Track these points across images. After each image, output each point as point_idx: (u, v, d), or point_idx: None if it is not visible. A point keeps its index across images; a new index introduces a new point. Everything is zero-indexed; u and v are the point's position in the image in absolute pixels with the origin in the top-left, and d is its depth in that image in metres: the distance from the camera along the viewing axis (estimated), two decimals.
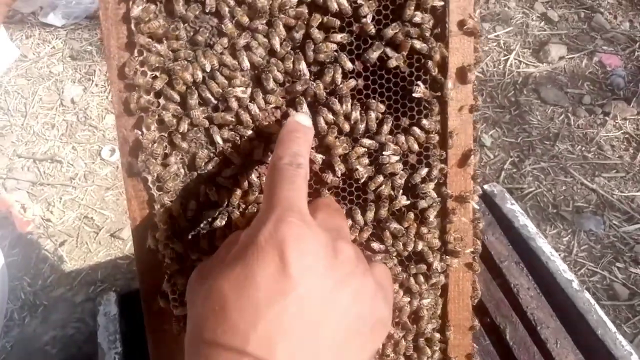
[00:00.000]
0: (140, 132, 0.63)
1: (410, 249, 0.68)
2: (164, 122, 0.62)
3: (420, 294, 0.71)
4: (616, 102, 2.27)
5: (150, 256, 0.68)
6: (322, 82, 0.63)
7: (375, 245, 0.67)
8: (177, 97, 0.62)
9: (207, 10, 0.60)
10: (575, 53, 2.47)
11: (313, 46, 0.62)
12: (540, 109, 2.27)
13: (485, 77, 2.37)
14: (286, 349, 0.44)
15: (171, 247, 0.66)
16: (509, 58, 2.47)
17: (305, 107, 0.63)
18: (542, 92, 2.31)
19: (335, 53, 0.62)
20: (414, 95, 0.63)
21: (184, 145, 0.63)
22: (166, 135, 0.63)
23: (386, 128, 0.64)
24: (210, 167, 0.64)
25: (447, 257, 0.70)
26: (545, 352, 0.96)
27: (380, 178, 0.66)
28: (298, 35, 0.61)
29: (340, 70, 0.62)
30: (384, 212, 0.66)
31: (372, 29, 0.61)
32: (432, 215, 0.67)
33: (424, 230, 0.68)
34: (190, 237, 0.66)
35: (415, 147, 0.65)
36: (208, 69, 0.61)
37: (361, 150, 0.65)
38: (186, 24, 0.61)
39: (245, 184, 0.65)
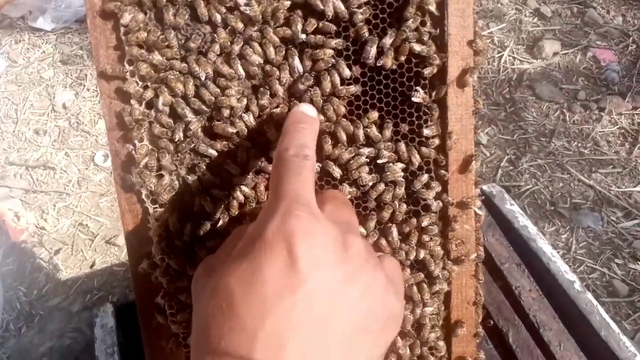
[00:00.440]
0: (132, 147, 0.61)
1: (412, 257, 0.67)
2: (156, 134, 0.61)
3: (422, 303, 0.69)
4: (611, 97, 2.26)
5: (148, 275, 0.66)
6: (320, 89, 0.61)
7: (383, 241, 0.66)
8: (167, 109, 0.60)
9: (200, 19, 0.59)
10: (569, 48, 2.47)
11: (310, 52, 0.60)
12: (535, 105, 2.26)
13: (479, 74, 2.36)
14: (296, 345, 0.43)
15: (167, 262, 0.64)
16: (503, 55, 2.46)
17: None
18: (537, 89, 2.30)
19: (333, 59, 0.61)
20: (413, 100, 0.62)
21: (178, 156, 0.62)
22: (159, 147, 0.61)
23: (387, 133, 0.63)
24: (205, 178, 0.63)
25: (450, 263, 0.69)
26: (549, 354, 0.95)
27: (382, 186, 0.64)
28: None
29: (337, 76, 0.61)
30: (386, 215, 0.65)
31: (365, 32, 0.60)
32: (433, 225, 0.66)
33: (426, 238, 0.67)
34: (187, 251, 0.64)
35: (417, 159, 0.64)
36: (203, 78, 0.59)
37: (362, 159, 0.63)
38: (177, 32, 0.59)
39: (241, 195, 0.63)
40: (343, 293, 0.46)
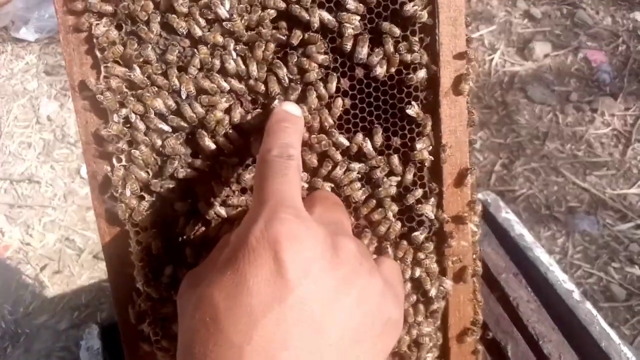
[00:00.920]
0: (109, 169, 0.58)
1: (407, 276, 0.64)
2: (134, 155, 0.57)
3: (418, 324, 0.66)
4: (603, 98, 2.25)
5: (129, 295, 0.63)
6: (305, 105, 0.58)
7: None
8: (143, 126, 0.57)
9: (179, 33, 0.55)
10: (560, 50, 2.45)
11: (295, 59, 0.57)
12: (527, 108, 2.24)
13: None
14: None
15: (152, 287, 0.61)
16: (493, 57, 2.45)
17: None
18: (529, 91, 2.29)
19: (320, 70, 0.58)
20: (407, 112, 0.59)
21: (160, 176, 0.59)
22: (138, 166, 0.58)
23: (377, 140, 0.60)
24: (188, 196, 0.60)
25: (445, 279, 0.66)
26: None
27: (373, 202, 0.62)
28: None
29: (324, 90, 0.58)
30: (383, 229, 0.62)
31: (348, 46, 0.57)
32: (428, 242, 0.63)
33: (421, 255, 0.64)
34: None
35: (412, 174, 0.61)
36: (184, 96, 0.56)
37: (353, 175, 0.60)
38: (155, 46, 0.56)
39: (224, 212, 0.60)
40: (336, 300, 0.43)
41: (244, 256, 0.42)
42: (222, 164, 0.59)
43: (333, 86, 0.58)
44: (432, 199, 0.62)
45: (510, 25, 2.57)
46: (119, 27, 0.55)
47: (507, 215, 1.13)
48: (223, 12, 0.54)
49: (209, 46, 0.55)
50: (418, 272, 0.64)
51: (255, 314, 0.40)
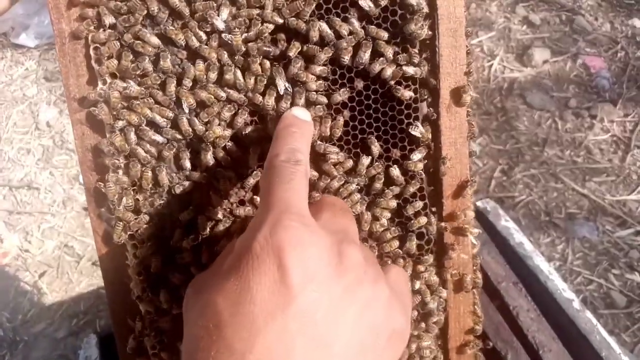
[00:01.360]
0: (105, 183, 0.57)
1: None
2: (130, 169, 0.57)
3: (418, 337, 0.66)
4: (602, 104, 2.25)
5: (126, 309, 0.62)
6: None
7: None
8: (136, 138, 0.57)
9: (177, 45, 0.55)
10: (558, 56, 2.45)
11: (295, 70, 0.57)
12: (527, 114, 2.24)
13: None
14: None
15: (149, 298, 0.61)
16: (492, 63, 2.45)
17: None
18: (528, 97, 2.29)
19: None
20: (411, 132, 0.59)
21: (156, 189, 0.58)
22: (135, 181, 0.58)
23: (375, 150, 0.59)
24: (185, 208, 0.59)
25: (445, 291, 0.66)
26: None
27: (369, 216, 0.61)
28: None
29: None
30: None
31: (346, 59, 0.57)
32: (427, 254, 0.63)
33: (421, 268, 0.63)
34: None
35: (414, 187, 0.61)
36: (187, 110, 0.56)
37: (352, 187, 0.60)
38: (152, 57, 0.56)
39: (222, 226, 0.59)
40: (341, 309, 0.42)
41: (247, 263, 0.41)
42: (219, 176, 0.59)
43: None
44: (432, 211, 0.62)
45: (509, 32, 2.57)
46: (117, 39, 0.55)
47: (506, 224, 1.13)
48: (219, 24, 0.54)
49: (205, 61, 0.55)
50: (418, 284, 0.64)
51: (257, 322, 0.40)
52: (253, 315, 0.40)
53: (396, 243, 0.62)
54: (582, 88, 2.32)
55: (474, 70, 0.60)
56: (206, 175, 0.59)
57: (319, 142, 0.58)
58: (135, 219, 0.58)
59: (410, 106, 0.59)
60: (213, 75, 0.55)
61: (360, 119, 0.60)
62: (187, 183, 0.58)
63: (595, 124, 2.19)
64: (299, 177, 0.47)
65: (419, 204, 0.62)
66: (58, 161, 2.30)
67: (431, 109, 0.60)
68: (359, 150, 0.60)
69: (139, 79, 0.55)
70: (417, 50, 0.58)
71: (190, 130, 0.56)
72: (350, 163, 0.59)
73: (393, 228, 0.62)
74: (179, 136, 0.57)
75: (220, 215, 0.59)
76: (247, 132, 0.58)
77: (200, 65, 0.54)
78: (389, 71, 0.57)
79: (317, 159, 0.59)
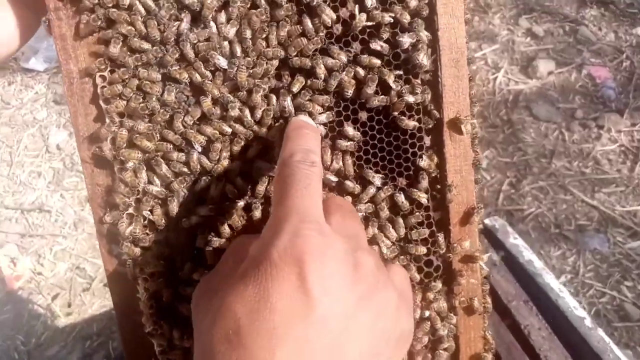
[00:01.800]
0: (116, 219, 0.58)
1: (417, 316, 0.64)
2: (141, 202, 0.58)
3: None
4: (609, 114, 2.24)
5: (137, 338, 0.63)
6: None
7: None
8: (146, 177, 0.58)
9: (181, 82, 0.56)
10: (563, 67, 2.45)
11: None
12: (533, 126, 2.24)
13: (475, 96, 2.34)
14: None
15: (160, 333, 0.61)
16: (497, 76, 2.45)
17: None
18: (534, 109, 2.29)
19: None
20: (419, 164, 0.60)
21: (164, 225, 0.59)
22: (143, 217, 0.59)
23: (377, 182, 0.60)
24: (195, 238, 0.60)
25: (455, 317, 0.66)
26: None
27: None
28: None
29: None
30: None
31: (349, 92, 0.58)
32: (436, 281, 0.63)
33: (430, 295, 0.64)
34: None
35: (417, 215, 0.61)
36: (199, 149, 0.57)
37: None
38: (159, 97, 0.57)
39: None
40: (356, 317, 0.43)
41: (266, 271, 0.42)
42: (225, 207, 0.60)
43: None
44: (439, 238, 0.62)
45: (513, 44, 2.58)
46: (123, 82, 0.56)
47: (515, 241, 1.13)
48: (222, 62, 0.55)
49: (210, 98, 0.56)
50: (427, 312, 0.64)
51: (278, 330, 0.40)
52: (273, 324, 0.40)
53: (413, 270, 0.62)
54: (588, 98, 2.32)
55: (476, 92, 0.60)
56: (213, 207, 0.59)
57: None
58: (144, 252, 0.58)
59: (414, 135, 0.60)
60: (218, 111, 0.56)
61: (365, 149, 0.60)
62: (194, 218, 0.59)
63: (603, 134, 2.18)
64: (315, 181, 0.48)
65: (425, 231, 0.62)
66: (68, 183, 2.33)
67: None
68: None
69: (147, 117, 0.56)
70: (419, 82, 0.59)
71: (198, 167, 0.57)
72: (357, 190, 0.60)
73: (402, 257, 0.62)
74: (186, 170, 0.58)
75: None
76: (254, 162, 0.59)
77: (207, 101, 0.55)
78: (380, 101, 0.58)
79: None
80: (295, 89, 0.57)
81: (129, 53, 0.55)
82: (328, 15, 0.56)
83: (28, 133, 2.55)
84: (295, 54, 0.56)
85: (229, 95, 0.56)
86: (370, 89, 0.57)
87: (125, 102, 0.55)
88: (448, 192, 0.61)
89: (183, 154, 0.57)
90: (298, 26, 0.56)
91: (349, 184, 0.60)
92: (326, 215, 0.50)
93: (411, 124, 0.59)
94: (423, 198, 0.61)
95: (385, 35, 0.57)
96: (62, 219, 2.20)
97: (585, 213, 1.96)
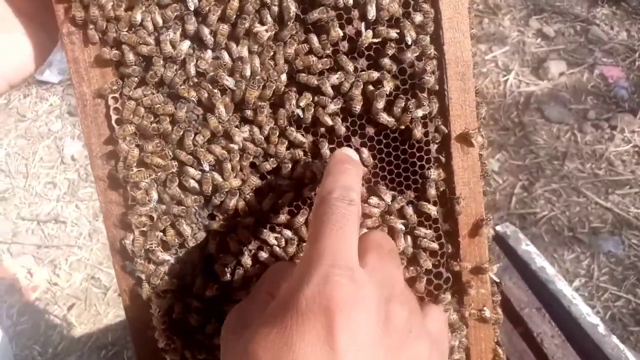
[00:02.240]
0: (128, 242, 0.59)
1: None
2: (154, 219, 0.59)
3: None
4: (622, 114, 2.22)
5: (151, 352, 0.64)
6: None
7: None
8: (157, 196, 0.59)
9: (190, 101, 0.57)
10: (575, 68, 2.44)
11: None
12: (545, 128, 2.23)
13: (486, 99, 2.34)
14: None
15: (173, 348, 0.62)
16: (508, 78, 2.44)
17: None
18: (546, 111, 2.27)
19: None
20: (430, 177, 0.60)
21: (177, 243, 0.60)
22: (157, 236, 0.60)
23: (388, 199, 0.61)
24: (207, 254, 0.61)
25: (466, 329, 0.66)
26: None
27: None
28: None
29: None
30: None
31: (357, 107, 0.58)
32: (446, 293, 0.63)
33: (440, 308, 0.64)
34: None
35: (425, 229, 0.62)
36: (207, 168, 0.58)
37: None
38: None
39: (242, 272, 0.61)
40: None
41: (292, 317, 0.41)
42: (238, 225, 0.60)
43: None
44: (449, 250, 0.63)
45: (524, 45, 2.57)
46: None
47: (527, 248, 1.12)
48: (230, 83, 0.56)
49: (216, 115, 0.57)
50: None
51: None
52: None
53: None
54: (601, 99, 2.30)
55: (484, 113, 0.60)
56: (224, 224, 0.60)
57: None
58: (156, 269, 0.59)
59: (422, 148, 0.61)
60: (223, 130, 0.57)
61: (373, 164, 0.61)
62: (204, 233, 0.60)
63: (616, 135, 2.16)
64: (352, 221, 0.46)
65: (435, 245, 0.62)
66: (83, 194, 2.36)
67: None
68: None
69: (157, 137, 0.58)
70: (425, 95, 0.59)
71: (210, 188, 0.58)
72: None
73: (411, 268, 0.63)
74: (198, 188, 0.59)
75: (240, 260, 0.61)
76: (265, 179, 0.60)
77: (213, 119, 0.56)
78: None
79: None
80: (302, 104, 0.57)
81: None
82: (336, 31, 0.56)
83: (43, 145, 2.58)
84: (302, 69, 0.57)
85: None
86: (379, 104, 0.58)
87: (133, 128, 0.56)
88: (457, 205, 0.62)
89: (197, 171, 0.58)
90: (304, 45, 0.57)
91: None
92: (362, 254, 0.48)
93: (418, 135, 0.59)
94: (432, 211, 0.61)
95: (391, 52, 0.58)
96: (77, 229, 2.23)
97: (599, 215, 1.94)
